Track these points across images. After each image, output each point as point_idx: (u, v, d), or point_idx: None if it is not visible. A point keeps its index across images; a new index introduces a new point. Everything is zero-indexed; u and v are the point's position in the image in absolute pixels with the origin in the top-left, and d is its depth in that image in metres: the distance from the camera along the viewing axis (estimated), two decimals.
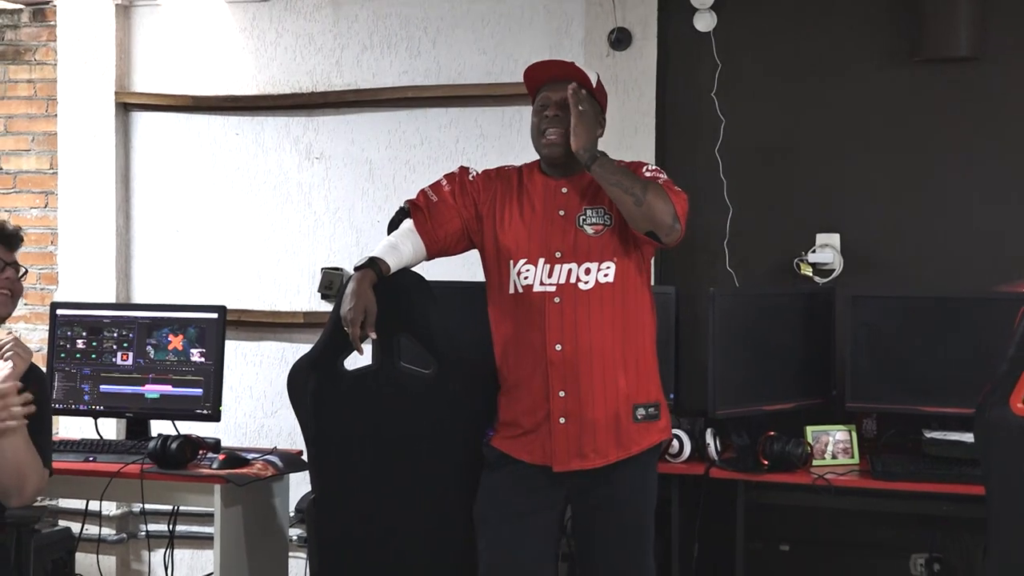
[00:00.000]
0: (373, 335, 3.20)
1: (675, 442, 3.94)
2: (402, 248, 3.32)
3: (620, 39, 4.60)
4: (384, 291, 3.25)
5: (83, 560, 4.67)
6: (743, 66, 4.61)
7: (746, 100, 4.61)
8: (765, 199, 4.60)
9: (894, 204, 4.50)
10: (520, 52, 4.73)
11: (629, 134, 4.56)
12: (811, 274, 4.47)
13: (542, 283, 3.19)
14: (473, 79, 4.84)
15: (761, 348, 4.07)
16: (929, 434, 3.94)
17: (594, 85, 3.25)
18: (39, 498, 3.43)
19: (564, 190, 3.25)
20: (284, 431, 5.03)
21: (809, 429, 3.98)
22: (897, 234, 4.49)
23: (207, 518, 4.96)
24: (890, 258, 4.49)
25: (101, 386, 4.30)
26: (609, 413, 3.18)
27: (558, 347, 3.17)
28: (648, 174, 3.23)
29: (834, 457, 3.98)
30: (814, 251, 4.48)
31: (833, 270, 4.47)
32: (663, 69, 4.66)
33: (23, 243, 3.47)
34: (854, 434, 4.02)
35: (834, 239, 4.49)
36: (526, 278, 3.21)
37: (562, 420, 3.18)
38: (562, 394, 3.18)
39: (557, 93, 3.22)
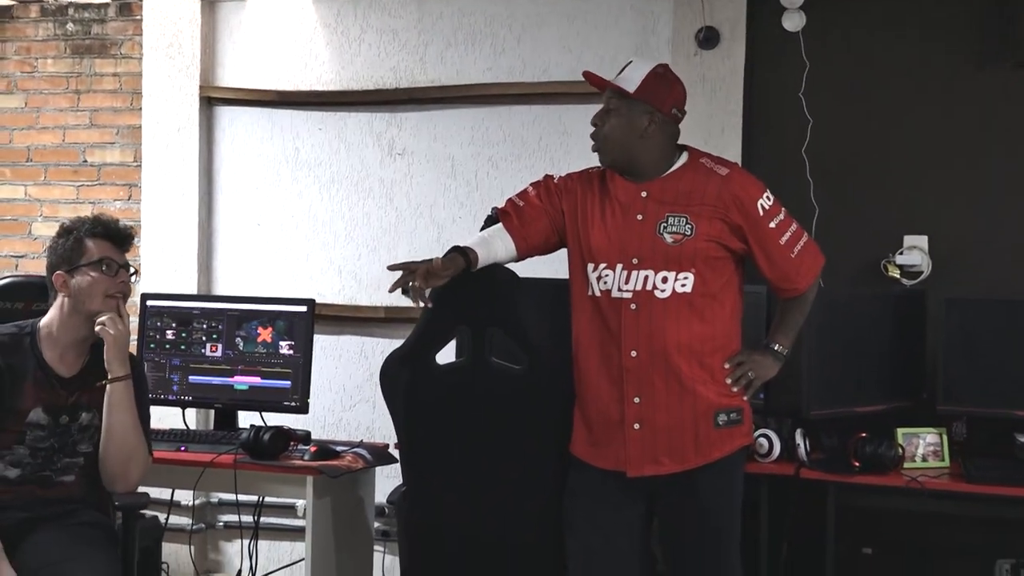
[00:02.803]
0: (426, 291, 3.22)
1: (764, 442, 3.92)
2: (492, 243, 3.34)
3: (708, 38, 4.59)
4: (476, 286, 3.27)
5: (164, 549, 4.70)
6: (831, 66, 4.58)
7: (834, 100, 4.58)
8: (852, 200, 4.57)
9: (983, 206, 4.47)
10: (606, 50, 4.74)
11: (716, 134, 4.56)
12: (899, 276, 4.44)
13: (620, 289, 3.18)
14: (558, 76, 4.84)
15: (851, 349, 4.05)
16: (1021, 438, 3.91)
17: (631, 90, 3.21)
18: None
19: (644, 194, 3.23)
20: (363, 425, 5.07)
21: (900, 431, 3.95)
22: (986, 236, 4.45)
23: (286, 510, 5.03)
24: (978, 260, 4.45)
25: (190, 377, 4.34)
26: (686, 419, 3.17)
27: (633, 353, 3.16)
28: (787, 237, 3.22)
29: (924, 460, 3.95)
30: (902, 253, 4.45)
31: (921, 272, 4.44)
32: (751, 69, 4.64)
33: (134, 240, 3.49)
34: (945, 437, 3.98)
35: (922, 241, 4.46)
36: (605, 283, 3.20)
37: (636, 426, 3.18)
38: (637, 400, 3.17)
39: (602, 100, 3.28)
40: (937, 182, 4.50)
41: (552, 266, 3.52)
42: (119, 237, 3.39)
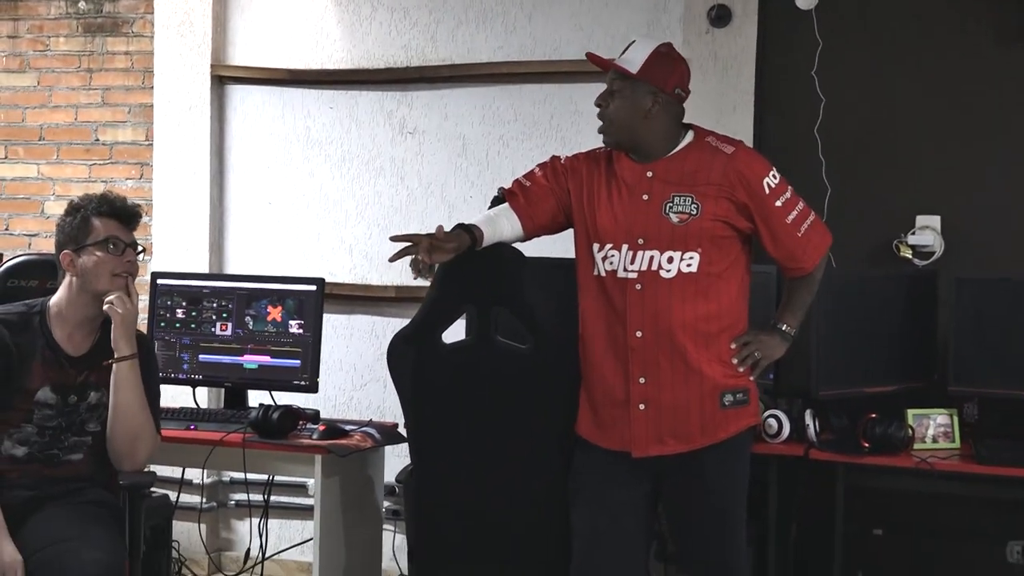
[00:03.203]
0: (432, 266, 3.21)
1: (773, 423, 3.91)
2: (498, 222, 3.33)
3: (720, 16, 4.56)
4: (482, 265, 3.27)
5: (175, 527, 4.72)
6: (844, 45, 4.54)
7: (847, 79, 4.55)
8: (864, 180, 4.54)
9: (996, 186, 4.43)
10: (617, 28, 4.71)
11: (727, 112, 4.53)
12: (911, 256, 4.41)
13: (625, 269, 3.17)
14: (569, 55, 4.81)
15: (862, 330, 4.04)
16: None
17: (634, 71, 3.18)
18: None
19: (649, 174, 3.21)
20: (374, 404, 5.06)
21: (910, 412, 3.94)
22: (999, 217, 4.42)
23: (297, 488, 5.04)
24: (991, 241, 4.42)
25: (200, 355, 4.35)
26: (692, 400, 3.16)
27: (639, 334, 3.15)
28: (793, 215, 3.20)
29: (935, 441, 3.94)
30: (914, 233, 4.42)
31: (933, 252, 4.41)
32: (763, 47, 4.61)
33: (141, 219, 3.48)
34: (955, 418, 3.97)
35: (934, 221, 4.43)
36: (611, 263, 3.19)
37: (641, 406, 3.17)
38: (642, 380, 3.17)
39: (607, 80, 3.26)
40: (950, 162, 4.47)
41: (559, 245, 3.50)
42: (126, 215, 3.39)
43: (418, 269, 3.21)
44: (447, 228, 3.28)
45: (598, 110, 3.28)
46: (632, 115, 3.20)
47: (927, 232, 4.41)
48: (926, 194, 4.48)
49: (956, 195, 4.45)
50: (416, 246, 3.21)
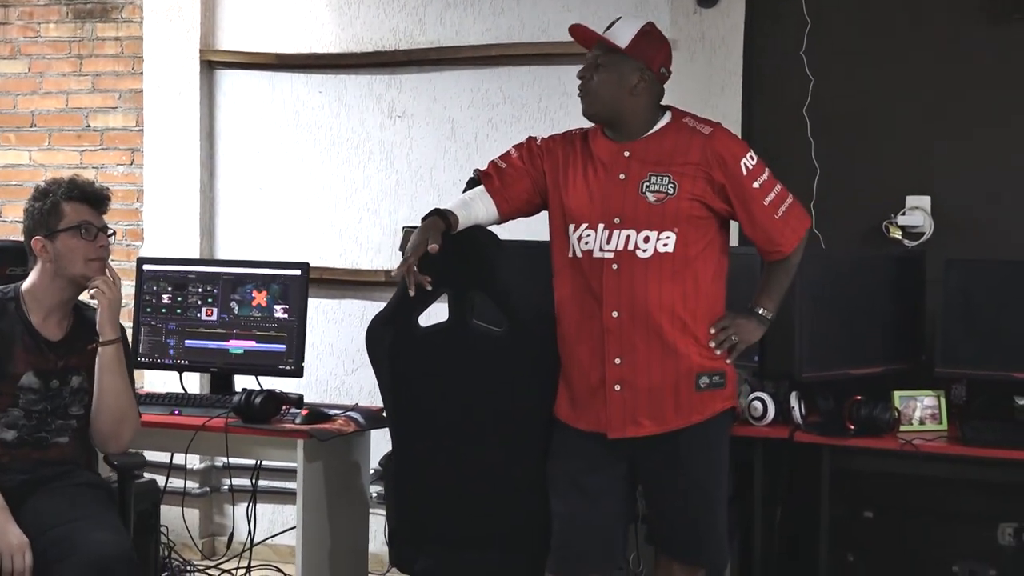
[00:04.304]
0: (435, 247, 3.15)
1: (758, 405, 3.89)
2: (473, 205, 3.32)
3: None
4: (458, 248, 3.24)
5: (167, 513, 4.70)
6: (833, 24, 4.50)
7: (836, 59, 4.50)
8: (854, 160, 4.49)
9: (987, 166, 4.38)
10: (605, 9, 4.63)
11: (716, 93, 4.50)
12: (900, 237, 4.37)
13: (601, 249, 3.16)
14: (557, 36, 4.76)
15: (848, 311, 4.00)
16: (1021, 400, 3.85)
17: (623, 45, 3.17)
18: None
19: (626, 154, 3.20)
20: (365, 389, 5.03)
21: (896, 394, 3.91)
22: (990, 197, 4.37)
23: (289, 474, 5.00)
24: (982, 221, 4.37)
25: (186, 341, 4.34)
26: (667, 381, 3.15)
27: (615, 314, 3.14)
28: (771, 197, 3.18)
29: (922, 423, 3.91)
30: (904, 213, 4.38)
31: (923, 233, 4.36)
32: (751, 27, 4.56)
33: (111, 202, 3.47)
34: (943, 400, 3.94)
35: (924, 201, 4.38)
36: (586, 243, 3.18)
37: (617, 387, 3.16)
38: (618, 361, 3.15)
39: (589, 54, 3.25)
40: (941, 142, 4.42)
41: (534, 227, 3.49)
42: (96, 199, 3.38)
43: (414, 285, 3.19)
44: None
45: (579, 80, 3.26)
46: (617, 90, 3.19)
47: (917, 213, 4.37)
48: (916, 174, 4.43)
49: (947, 175, 4.40)
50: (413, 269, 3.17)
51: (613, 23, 3.25)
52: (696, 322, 3.17)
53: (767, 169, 3.21)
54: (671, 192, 3.13)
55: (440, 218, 3.23)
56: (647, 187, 3.14)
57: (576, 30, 3.29)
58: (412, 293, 3.17)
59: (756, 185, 3.17)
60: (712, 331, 3.19)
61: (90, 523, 3.16)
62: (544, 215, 3.33)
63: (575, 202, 3.20)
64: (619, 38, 3.19)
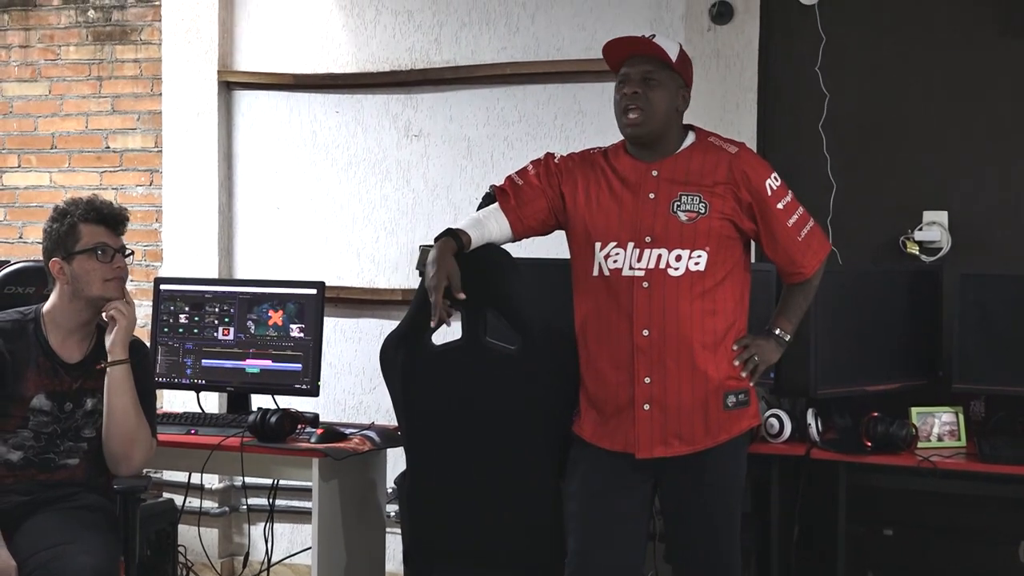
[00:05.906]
0: (462, 296, 3.17)
1: (775, 422, 3.88)
2: (486, 224, 3.30)
3: (722, 12, 4.51)
4: (471, 266, 3.23)
5: (185, 532, 4.73)
6: (849, 40, 4.49)
7: (851, 74, 4.49)
8: (870, 176, 4.48)
9: (1005, 181, 4.36)
10: (620, 27, 4.63)
11: (731, 110, 4.50)
12: (918, 252, 4.35)
13: (631, 267, 3.13)
14: (572, 55, 4.80)
15: (865, 327, 3.99)
16: None
17: (674, 60, 3.16)
18: (144, 469, 3.52)
19: (655, 173, 3.18)
20: (383, 407, 5.02)
21: (914, 410, 3.88)
22: (1007, 212, 4.35)
23: (307, 493, 5.00)
24: (1000, 237, 4.35)
25: (203, 360, 4.36)
26: (697, 400, 3.13)
27: (646, 332, 3.12)
28: (794, 219, 3.18)
29: (940, 439, 3.89)
30: (921, 229, 4.36)
31: (940, 248, 4.35)
32: (765, 43, 4.56)
33: (128, 223, 3.49)
34: (961, 416, 3.91)
35: (942, 217, 4.37)
36: (615, 261, 3.15)
37: (646, 407, 3.14)
38: (648, 380, 3.13)
39: (636, 68, 3.16)
40: (957, 156, 4.40)
41: (544, 244, 3.50)
42: (113, 220, 3.40)
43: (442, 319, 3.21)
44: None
45: (631, 96, 3.15)
46: (670, 107, 3.18)
47: (934, 228, 4.35)
48: (933, 190, 4.41)
49: (964, 190, 4.39)
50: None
51: (651, 37, 3.18)
52: (724, 341, 3.16)
53: (790, 191, 3.21)
54: (703, 211, 3.12)
55: (452, 239, 3.23)
56: (678, 206, 3.13)
57: (627, 42, 3.19)
58: (434, 324, 3.19)
59: (780, 206, 3.17)
60: (736, 349, 3.19)
61: (78, 547, 3.15)
62: (557, 234, 3.33)
63: (601, 220, 3.18)
64: (669, 53, 3.17)
